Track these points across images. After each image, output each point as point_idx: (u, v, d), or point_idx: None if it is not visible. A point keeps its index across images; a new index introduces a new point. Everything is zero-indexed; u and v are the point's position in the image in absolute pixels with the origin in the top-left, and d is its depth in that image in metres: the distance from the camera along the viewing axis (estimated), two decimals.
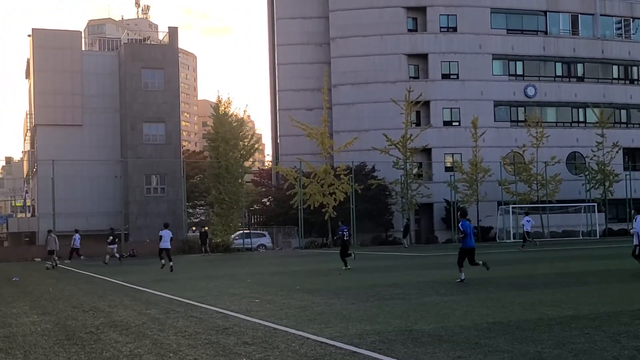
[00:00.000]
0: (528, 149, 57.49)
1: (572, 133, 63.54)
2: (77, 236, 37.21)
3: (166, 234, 28.09)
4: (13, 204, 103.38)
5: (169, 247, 28.02)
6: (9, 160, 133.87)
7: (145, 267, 32.36)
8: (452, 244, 51.58)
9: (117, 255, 38.38)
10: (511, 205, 54.66)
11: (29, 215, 63.90)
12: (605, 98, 64.25)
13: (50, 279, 25.40)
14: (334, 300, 14.98)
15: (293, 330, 10.91)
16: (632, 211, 20.51)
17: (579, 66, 65.16)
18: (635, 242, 19.92)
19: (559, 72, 64.70)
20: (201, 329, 11.35)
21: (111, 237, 38.17)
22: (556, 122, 63.81)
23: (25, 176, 72.84)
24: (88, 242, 47.99)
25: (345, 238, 26.71)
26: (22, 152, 78.61)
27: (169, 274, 25.88)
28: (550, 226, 57.67)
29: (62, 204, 48.67)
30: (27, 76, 62.17)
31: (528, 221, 41.90)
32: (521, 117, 62.32)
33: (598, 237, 55.18)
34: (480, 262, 18.74)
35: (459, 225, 18.84)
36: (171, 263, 27.24)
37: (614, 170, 59.30)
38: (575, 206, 57.61)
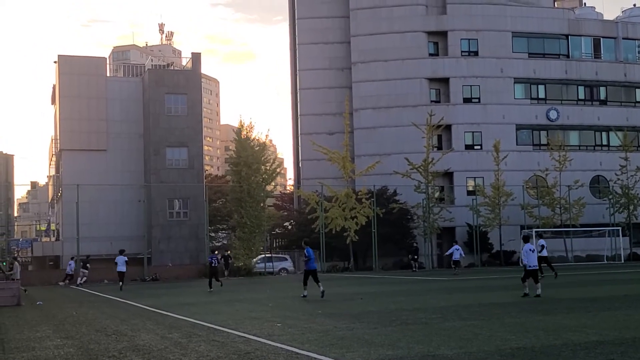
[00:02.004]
0: (551, 172, 57.14)
1: (595, 156, 63.08)
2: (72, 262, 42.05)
3: (120, 260, 34.04)
4: (38, 228, 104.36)
5: (124, 270, 34.09)
6: (34, 184, 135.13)
7: (167, 290, 32.47)
8: (474, 268, 51.25)
9: (66, 282, 41.48)
10: (534, 230, 54.21)
11: (53, 239, 64.43)
12: (629, 121, 63.80)
13: (73, 303, 25.57)
14: (356, 325, 14.93)
15: (315, 355, 10.89)
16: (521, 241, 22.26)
17: (602, 89, 64.82)
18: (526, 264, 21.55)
19: (581, 96, 64.40)
20: (223, 354, 11.37)
21: (82, 263, 41.90)
22: (579, 146, 63.39)
23: (50, 200, 73.55)
24: (112, 266, 48.44)
25: (213, 265, 31.64)
26: (47, 176, 79.38)
27: (191, 297, 25.97)
28: (574, 250, 57.12)
29: (86, 228, 49.06)
30: (53, 102, 63.06)
31: (457, 249, 42.83)
32: (543, 141, 61.99)
33: (623, 261, 54.49)
34: (318, 282, 22.83)
35: (305, 251, 23.49)
36: (121, 283, 33.55)
37: (638, 194, 58.71)
38: (599, 230, 57.01)
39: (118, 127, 54.54)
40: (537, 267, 21.98)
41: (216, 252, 39.17)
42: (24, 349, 12.89)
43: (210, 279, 31.28)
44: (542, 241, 25.70)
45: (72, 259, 43.84)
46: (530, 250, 21.43)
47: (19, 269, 36.62)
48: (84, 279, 41.31)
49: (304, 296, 22.87)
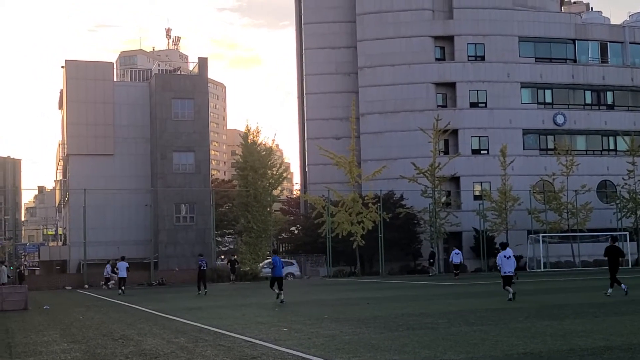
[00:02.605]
0: (558, 177, 57.03)
1: (602, 161, 62.95)
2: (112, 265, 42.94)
3: (121, 265, 35.19)
4: (45, 233, 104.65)
5: (125, 276, 35.12)
6: (41, 189, 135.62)
7: (174, 295, 32.52)
8: (481, 273, 51.16)
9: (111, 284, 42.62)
10: (541, 234, 54.10)
11: (60, 243, 64.58)
12: (636, 126, 63.67)
13: (80, 307, 25.62)
14: (363, 330, 14.92)
15: None
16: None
17: (609, 94, 64.73)
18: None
19: (588, 100, 64.32)
20: (229, 358, 11.37)
21: (110, 266, 42.98)
22: (586, 150, 63.29)
23: (57, 205, 73.78)
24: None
25: (202, 268, 32.94)
26: (55, 181, 79.69)
27: (198, 302, 26.02)
28: (581, 255, 56.93)
29: (93, 233, 49.19)
30: (60, 107, 63.27)
31: (457, 254, 44.10)
32: (550, 145, 61.94)
33: (630, 266, 54.25)
34: (280, 291, 23.94)
35: (271, 259, 25.63)
36: (123, 287, 34.53)
37: None
38: (606, 235, 56.69)
39: (125, 131, 54.70)
40: (512, 274, 23.02)
41: (221, 256, 39.77)
42: (31, 353, 12.92)
43: (199, 283, 32.67)
44: (509, 250, 26.26)
45: (108, 262, 44.54)
46: (504, 257, 22.54)
47: (6, 273, 37.00)
48: (111, 282, 42.59)
49: (281, 301, 23.80)
